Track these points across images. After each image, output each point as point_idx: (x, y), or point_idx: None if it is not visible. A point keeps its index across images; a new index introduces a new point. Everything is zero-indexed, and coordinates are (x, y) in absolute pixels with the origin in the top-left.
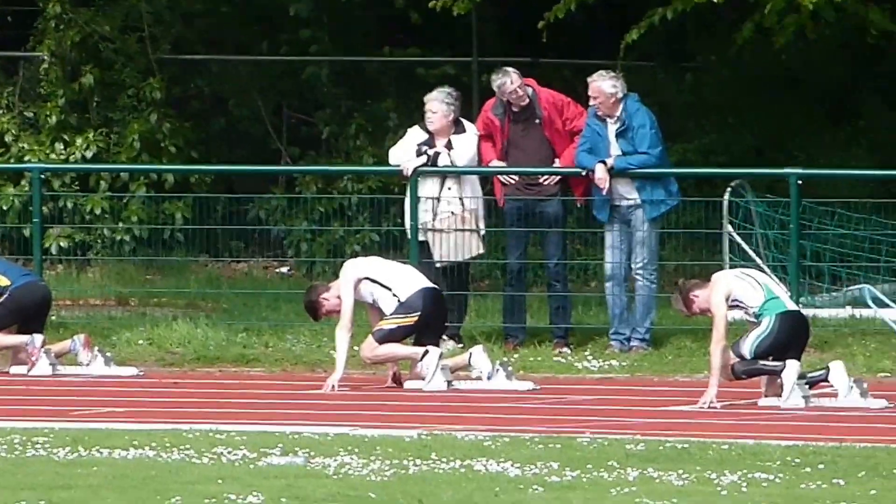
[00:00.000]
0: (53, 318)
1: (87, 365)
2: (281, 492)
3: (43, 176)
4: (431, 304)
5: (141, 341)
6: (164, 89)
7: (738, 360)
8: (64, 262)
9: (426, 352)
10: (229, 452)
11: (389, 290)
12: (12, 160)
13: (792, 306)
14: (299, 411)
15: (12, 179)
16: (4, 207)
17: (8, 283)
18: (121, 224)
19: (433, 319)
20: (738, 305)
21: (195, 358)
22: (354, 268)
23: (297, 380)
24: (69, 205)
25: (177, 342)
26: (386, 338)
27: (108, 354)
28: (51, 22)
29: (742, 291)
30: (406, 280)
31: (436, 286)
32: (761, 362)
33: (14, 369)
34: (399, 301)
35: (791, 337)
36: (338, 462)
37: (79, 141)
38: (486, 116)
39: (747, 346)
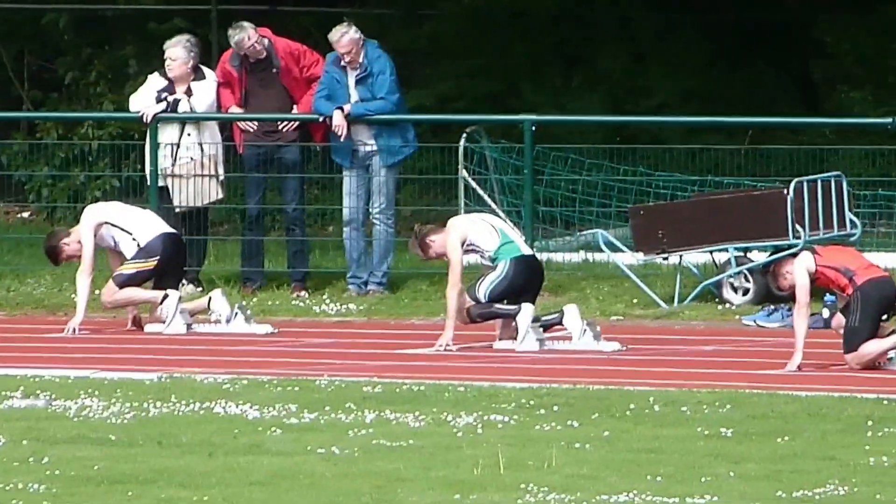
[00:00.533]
0: None
1: None
2: (23, 434)
3: None
4: (171, 249)
5: None
6: None
7: (473, 303)
8: None
9: (166, 295)
10: None
11: (130, 234)
12: None
13: (527, 251)
14: (40, 355)
15: None
16: None
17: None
18: None
19: (172, 264)
20: (473, 249)
21: None
22: (94, 213)
23: (38, 323)
24: None
25: None
26: (126, 282)
27: None
28: None
29: (478, 236)
30: (146, 225)
31: (175, 231)
32: (496, 305)
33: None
34: (139, 246)
35: (525, 281)
36: (79, 405)
37: None
38: (223, 67)
39: (483, 290)
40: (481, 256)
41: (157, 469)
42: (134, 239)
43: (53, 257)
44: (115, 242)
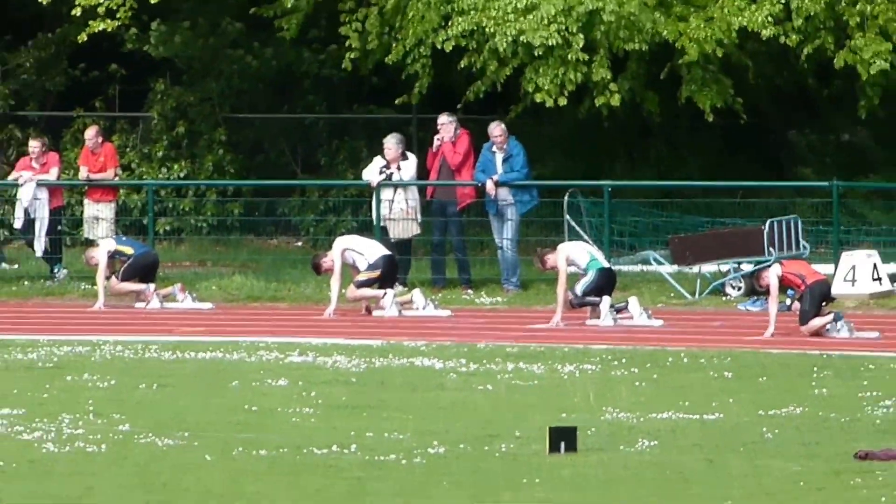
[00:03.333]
0: (161, 273)
1: (181, 302)
2: (298, 377)
3: (154, 189)
4: (389, 264)
5: (214, 287)
6: (225, 134)
7: (573, 296)
8: (166, 240)
9: (385, 293)
10: (268, 354)
11: (363, 255)
12: (136, 178)
13: (605, 264)
14: (310, 328)
15: (135, 190)
16: (131, 206)
17: (132, 251)
18: (200, 216)
19: (390, 274)
20: (573, 264)
21: (246, 297)
22: (342, 241)
23: (308, 311)
24: (170, 205)
25: (235, 288)
26: (361, 285)
27: (194, 295)
28: (158, 94)
29: (576, 255)
30: (373, 249)
31: (391, 253)
32: (587, 298)
33: (137, 305)
34: (368, 262)
35: (605, 282)
36: (332, 360)
37: (175, 167)
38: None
39: (579, 289)
40: (578, 268)
41: (382, 400)
42: (366, 259)
43: (316, 270)
44: (353, 261)
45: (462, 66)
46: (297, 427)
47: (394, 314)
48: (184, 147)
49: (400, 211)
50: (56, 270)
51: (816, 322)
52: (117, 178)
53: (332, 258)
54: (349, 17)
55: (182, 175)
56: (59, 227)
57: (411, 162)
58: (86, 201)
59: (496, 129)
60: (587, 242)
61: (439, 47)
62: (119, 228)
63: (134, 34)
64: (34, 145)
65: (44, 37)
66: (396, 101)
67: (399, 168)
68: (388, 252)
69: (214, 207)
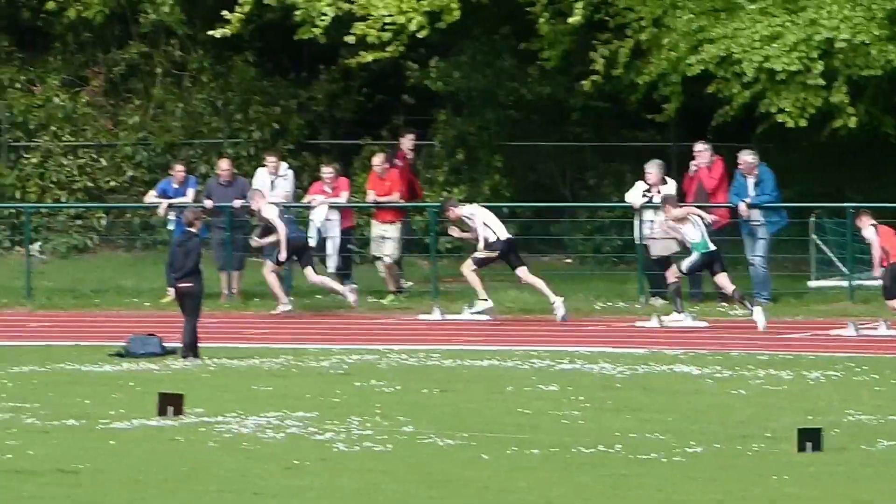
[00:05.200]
0: (442, 288)
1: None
2: (568, 383)
3: (435, 211)
4: (508, 247)
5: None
6: (502, 161)
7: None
8: (447, 258)
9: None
10: (539, 362)
11: (493, 230)
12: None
13: (712, 247)
14: (575, 338)
15: (418, 212)
16: (414, 227)
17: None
18: None
19: (507, 255)
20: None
21: (520, 310)
22: (481, 212)
23: (569, 322)
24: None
25: (510, 301)
26: (479, 262)
27: (470, 307)
28: (440, 124)
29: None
30: (501, 231)
31: (512, 237)
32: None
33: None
34: (490, 240)
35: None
36: (599, 366)
37: (455, 191)
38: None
39: (684, 266)
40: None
41: (644, 403)
42: (494, 233)
43: (442, 210)
44: (478, 230)
45: (710, 91)
46: (567, 428)
47: (655, 325)
48: (463, 172)
49: (660, 231)
50: (346, 284)
51: None
52: (402, 202)
53: (461, 215)
54: (601, 46)
55: (462, 198)
56: (349, 246)
57: (671, 186)
58: (373, 222)
59: (748, 156)
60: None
61: (689, 74)
62: (402, 248)
63: (415, 69)
64: (326, 171)
65: (334, 70)
66: (648, 116)
67: (659, 191)
68: (510, 236)
69: None
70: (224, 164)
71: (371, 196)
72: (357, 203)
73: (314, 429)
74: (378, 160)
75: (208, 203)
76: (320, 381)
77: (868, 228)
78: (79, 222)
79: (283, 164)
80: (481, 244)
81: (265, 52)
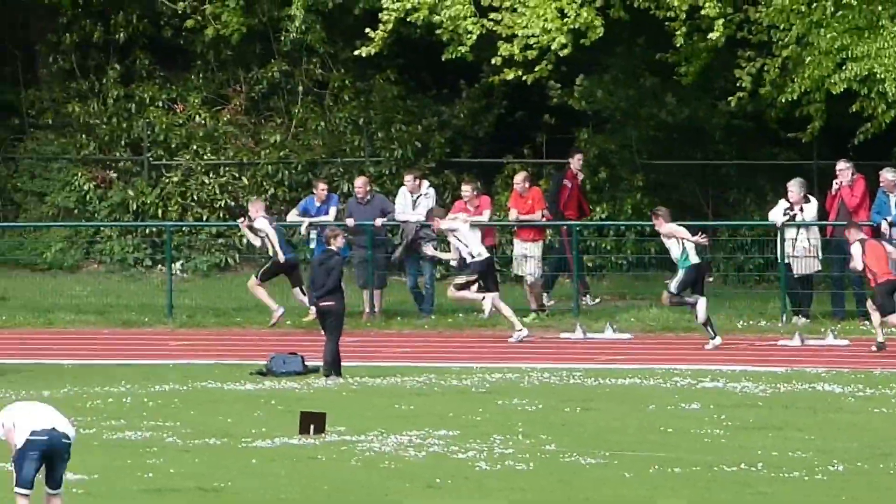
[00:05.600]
0: (583, 306)
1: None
2: (710, 401)
3: (578, 229)
4: (487, 267)
5: (632, 319)
6: (643, 179)
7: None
8: (589, 276)
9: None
10: (681, 380)
11: (468, 247)
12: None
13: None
14: (718, 356)
15: (559, 231)
16: (556, 246)
17: None
18: (620, 254)
19: (485, 277)
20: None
21: (662, 328)
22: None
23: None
24: (592, 244)
25: (651, 319)
26: (460, 287)
27: (615, 326)
28: (581, 142)
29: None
30: (479, 248)
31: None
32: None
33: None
34: (468, 257)
35: (693, 279)
36: (741, 385)
37: (597, 209)
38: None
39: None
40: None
41: (786, 421)
42: (470, 252)
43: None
44: (456, 245)
45: (853, 110)
46: (709, 446)
47: (797, 344)
48: (605, 190)
49: (802, 249)
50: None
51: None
52: (544, 220)
53: (443, 229)
54: (746, 62)
55: (604, 216)
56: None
57: (813, 204)
58: (515, 241)
59: (889, 174)
60: None
61: (833, 92)
62: (546, 266)
63: (558, 88)
64: (466, 189)
65: (476, 88)
66: (789, 135)
67: (801, 210)
68: (488, 255)
69: (634, 246)
70: (359, 182)
71: (513, 214)
72: (500, 221)
73: (456, 447)
74: (519, 178)
75: (350, 222)
76: (462, 400)
77: (855, 245)
78: (220, 240)
79: (425, 183)
80: (455, 260)
81: (406, 69)
